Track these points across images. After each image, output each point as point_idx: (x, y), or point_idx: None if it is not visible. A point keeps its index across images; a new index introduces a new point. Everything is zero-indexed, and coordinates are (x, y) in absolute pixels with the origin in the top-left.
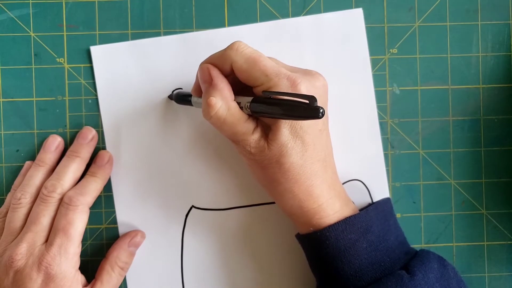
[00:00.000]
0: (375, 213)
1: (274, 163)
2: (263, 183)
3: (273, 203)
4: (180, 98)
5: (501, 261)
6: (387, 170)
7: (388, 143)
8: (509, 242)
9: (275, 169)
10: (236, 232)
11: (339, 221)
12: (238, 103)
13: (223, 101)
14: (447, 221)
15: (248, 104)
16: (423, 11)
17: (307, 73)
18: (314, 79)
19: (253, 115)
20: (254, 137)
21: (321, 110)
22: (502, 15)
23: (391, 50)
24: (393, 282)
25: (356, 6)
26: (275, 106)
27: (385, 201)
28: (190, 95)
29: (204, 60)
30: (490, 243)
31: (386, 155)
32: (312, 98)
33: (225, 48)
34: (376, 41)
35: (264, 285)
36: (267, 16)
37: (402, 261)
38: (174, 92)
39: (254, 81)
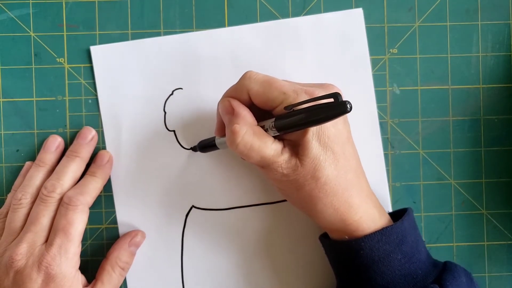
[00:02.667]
0: (408, 223)
1: (309, 179)
2: (301, 204)
3: (274, 203)
4: (204, 145)
5: (501, 261)
6: (387, 170)
7: (388, 143)
8: (509, 242)
9: (311, 186)
10: (236, 232)
11: (376, 232)
12: (262, 127)
13: (247, 127)
14: (447, 221)
15: (273, 123)
16: (423, 11)
17: (321, 86)
18: (330, 90)
19: (280, 133)
20: (284, 157)
21: (348, 105)
22: (502, 15)
23: (391, 50)
24: None
25: (356, 6)
26: (300, 115)
27: (411, 210)
28: (213, 140)
29: (222, 96)
30: (490, 243)
31: (386, 155)
32: (336, 95)
33: (238, 80)
34: (376, 41)
35: (265, 284)
36: (267, 16)
37: (433, 274)
38: (197, 144)
39: (273, 102)
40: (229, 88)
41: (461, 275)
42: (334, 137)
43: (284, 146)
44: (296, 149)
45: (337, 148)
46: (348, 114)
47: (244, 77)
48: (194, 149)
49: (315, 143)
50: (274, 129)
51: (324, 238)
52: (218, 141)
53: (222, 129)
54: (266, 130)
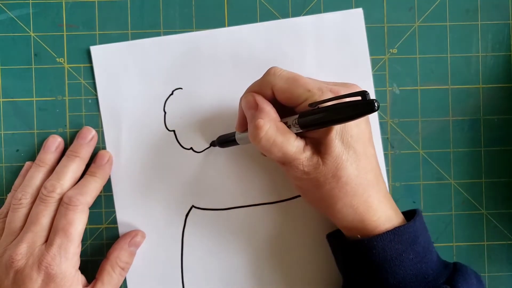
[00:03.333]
0: (420, 223)
1: (330, 178)
2: (319, 202)
3: (274, 202)
4: (224, 141)
5: (501, 261)
6: (387, 170)
7: (388, 143)
8: (509, 242)
9: (332, 185)
10: (236, 232)
11: (388, 231)
12: (285, 123)
13: (271, 122)
14: (447, 221)
15: (296, 120)
16: (423, 11)
17: (345, 85)
18: (354, 90)
19: (303, 130)
20: (306, 154)
21: (375, 103)
22: (502, 15)
23: (391, 50)
24: None
25: (356, 6)
26: (325, 113)
27: (420, 212)
28: (233, 135)
29: (245, 91)
30: (490, 243)
31: (386, 155)
32: (364, 93)
33: (262, 76)
34: (376, 41)
35: (266, 284)
36: (267, 16)
37: (444, 274)
38: (216, 139)
39: (297, 99)
40: (253, 84)
41: (472, 277)
42: (357, 136)
43: (306, 144)
44: (318, 147)
45: (359, 147)
46: None
47: (268, 73)
48: (213, 144)
49: (338, 142)
50: (297, 125)
51: (332, 237)
52: (238, 136)
53: (243, 124)
54: (288, 127)
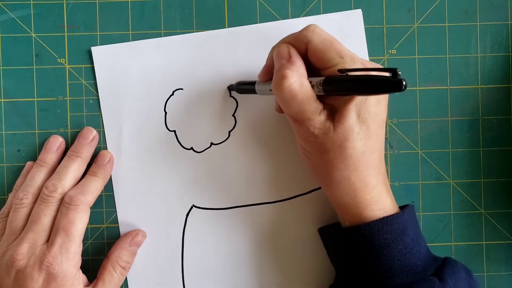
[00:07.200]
0: (410, 215)
1: (336, 147)
2: (318, 170)
3: (273, 202)
4: (242, 87)
5: (499, 260)
6: (386, 170)
7: (387, 143)
8: (507, 242)
9: (336, 154)
10: (236, 232)
11: (376, 220)
12: (309, 82)
13: (298, 76)
14: (446, 221)
15: (320, 81)
16: (422, 12)
17: (373, 63)
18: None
19: (325, 94)
20: (320, 118)
21: (404, 82)
22: (501, 16)
23: (390, 50)
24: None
25: (355, 7)
26: (351, 82)
27: (412, 206)
28: (253, 83)
29: (280, 41)
30: (488, 242)
31: (385, 155)
32: (396, 71)
33: (300, 30)
34: (375, 41)
35: (264, 284)
36: (267, 17)
37: (433, 267)
38: (235, 84)
39: (327, 62)
40: (288, 36)
41: (461, 271)
42: (374, 115)
43: (323, 108)
44: (333, 114)
45: (373, 126)
46: None
47: (307, 29)
48: (230, 87)
49: (354, 114)
50: (321, 87)
51: (322, 229)
52: (258, 86)
53: (267, 73)
54: (311, 87)
